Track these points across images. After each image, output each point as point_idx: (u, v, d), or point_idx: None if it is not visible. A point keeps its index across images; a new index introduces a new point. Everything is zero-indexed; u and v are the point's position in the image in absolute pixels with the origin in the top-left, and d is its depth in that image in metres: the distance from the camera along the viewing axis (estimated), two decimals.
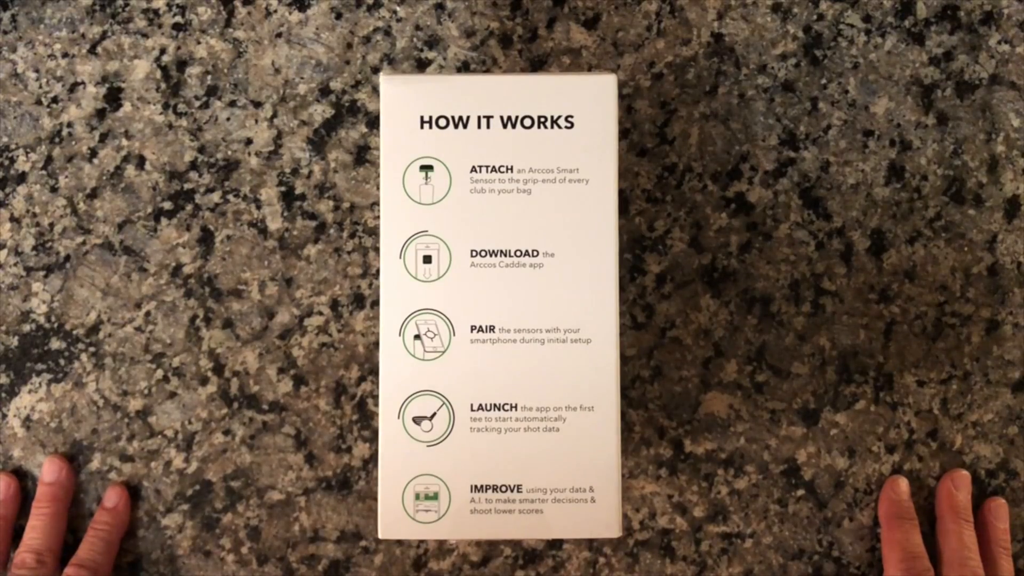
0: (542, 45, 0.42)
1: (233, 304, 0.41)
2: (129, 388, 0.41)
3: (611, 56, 0.42)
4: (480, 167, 0.29)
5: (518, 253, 0.29)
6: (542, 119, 0.29)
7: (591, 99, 0.29)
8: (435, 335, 0.29)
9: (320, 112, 0.42)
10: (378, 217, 0.41)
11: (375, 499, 0.41)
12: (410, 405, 0.29)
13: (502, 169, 0.29)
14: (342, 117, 0.42)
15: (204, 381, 0.41)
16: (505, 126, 0.29)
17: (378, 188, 0.41)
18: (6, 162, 0.41)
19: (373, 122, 0.42)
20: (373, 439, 0.41)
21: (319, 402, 0.41)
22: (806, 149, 0.42)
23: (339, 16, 0.42)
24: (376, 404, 0.41)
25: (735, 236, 0.42)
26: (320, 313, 0.41)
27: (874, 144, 0.42)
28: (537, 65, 0.42)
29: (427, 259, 0.29)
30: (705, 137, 0.42)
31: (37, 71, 0.42)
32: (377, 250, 0.41)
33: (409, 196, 0.29)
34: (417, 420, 0.29)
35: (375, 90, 0.42)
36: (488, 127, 0.29)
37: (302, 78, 0.42)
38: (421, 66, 0.42)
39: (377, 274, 0.41)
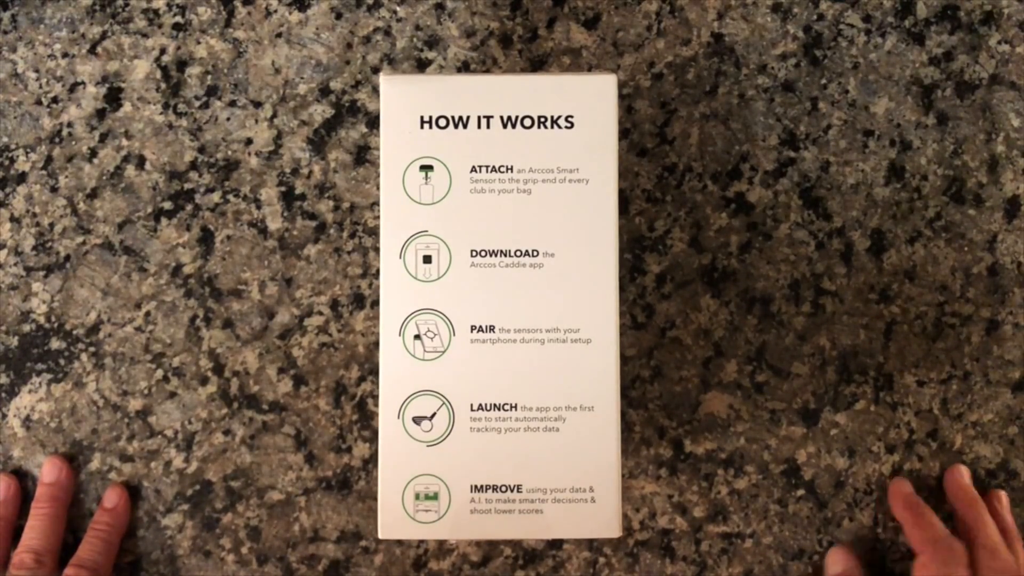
0: (542, 45, 0.42)
1: (233, 304, 0.41)
2: (129, 388, 0.41)
3: (611, 56, 0.42)
4: (480, 167, 0.29)
5: (518, 253, 0.29)
6: (542, 119, 0.29)
7: (591, 99, 0.29)
8: (435, 335, 0.29)
9: (320, 112, 0.42)
10: (378, 217, 0.41)
11: (375, 499, 0.41)
12: (410, 405, 0.29)
13: (502, 169, 0.29)
14: (342, 117, 0.42)
15: (204, 381, 0.41)
16: (505, 126, 0.29)
17: (378, 188, 0.41)
18: (6, 162, 0.41)
19: (373, 122, 0.42)
20: (373, 439, 0.41)
21: (319, 402, 0.41)
22: (806, 149, 0.42)
23: (339, 16, 0.42)
24: (376, 404, 0.41)
25: (735, 236, 0.42)
26: (320, 313, 0.41)
27: (874, 144, 0.42)
28: (537, 65, 0.42)
29: (427, 259, 0.29)
30: (705, 137, 0.42)
31: (37, 71, 0.42)
32: (377, 250, 0.41)
33: (409, 196, 0.29)
34: (417, 420, 0.29)
35: (375, 90, 0.42)
36: (488, 127, 0.29)
37: (302, 78, 0.42)
38: (421, 66, 0.42)
39: (377, 274, 0.41)
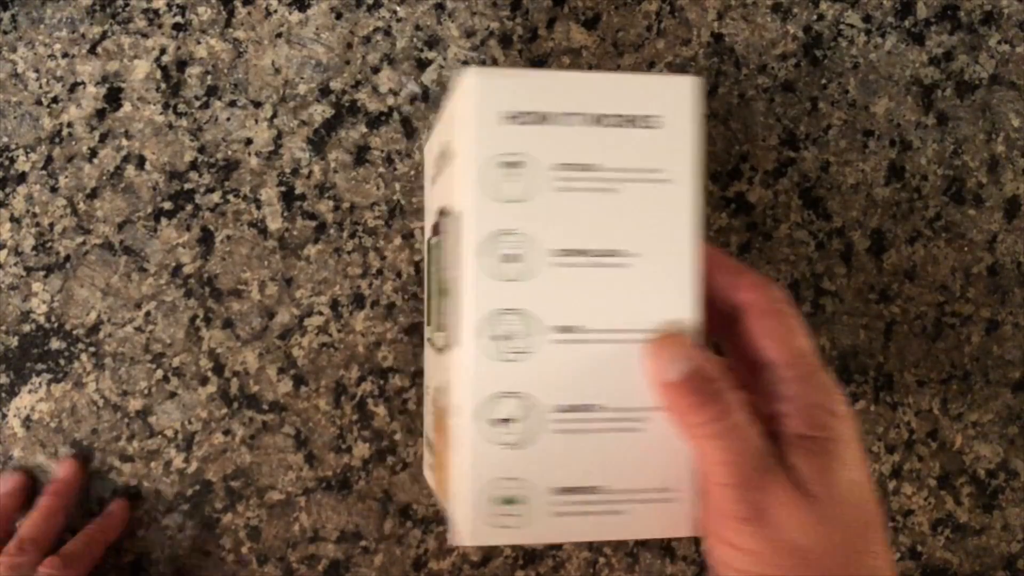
0: (542, 45, 0.42)
1: (233, 304, 0.41)
2: (129, 388, 0.41)
3: (611, 56, 0.42)
4: (565, 165, 0.29)
5: (602, 253, 0.29)
6: (627, 118, 0.29)
7: (674, 100, 0.29)
8: (517, 335, 0.29)
9: (320, 112, 0.42)
10: (378, 217, 0.41)
11: (375, 499, 0.41)
12: (490, 407, 0.29)
13: (587, 167, 0.29)
14: (342, 117, 0.42)
15: (204, 381, 0.41)
16: (590, 124, 0.29)
17: (378, 188, 0.41)
18: (6, 162, 0.41)
19: (373, 122, 0.42)
20: (373, 439, 0.41)
21: (319, 402, 0.41)
22: (806, 149, 0.42)
23: (339, 16, 0.42)
24: (376, 404, 0.41)
25: (735, 236, 0.42)
26: (320, 313, 0.41)
27: (874, 144, 0.42)
28: (537, 65, 0.42)
29: (510, 258, 0.29)
30: (705, 137, 0.42)
31: (37, 71, 0.42)
32: (376, 250, 0.41)
33: (492, 193, 0.29)
34: (497, 422, 0.28)
35: (375, 90, 0.42)
36: (573, 124, 0.29)
37: (302, 78, 0.42)
38: (421, 66, 0.42)
39: (377, 274, 0.41)
